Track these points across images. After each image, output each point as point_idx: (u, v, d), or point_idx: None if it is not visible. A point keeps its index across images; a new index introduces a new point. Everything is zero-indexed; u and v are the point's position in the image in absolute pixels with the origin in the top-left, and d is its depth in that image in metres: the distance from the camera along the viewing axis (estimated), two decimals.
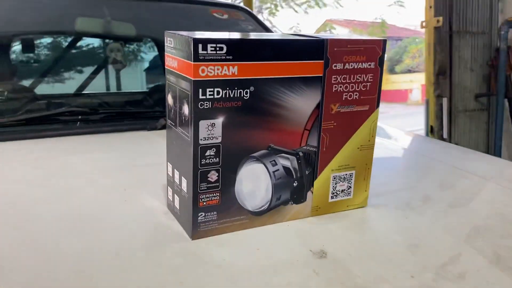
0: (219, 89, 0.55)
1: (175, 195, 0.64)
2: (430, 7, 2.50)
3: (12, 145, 1.05)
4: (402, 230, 0.67)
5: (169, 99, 0.62)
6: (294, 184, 0.64)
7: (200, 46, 0.53)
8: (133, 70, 1.88)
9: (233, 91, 0.56)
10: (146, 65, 1.89)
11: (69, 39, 1.69)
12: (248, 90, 0.57)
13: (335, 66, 0.62)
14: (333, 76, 0.62)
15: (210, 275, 0.52)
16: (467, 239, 0.65)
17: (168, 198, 0.68)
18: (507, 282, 0.55)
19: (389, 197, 0.78)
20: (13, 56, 1.52)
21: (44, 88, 1.50)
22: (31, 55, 1.55)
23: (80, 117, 1.25)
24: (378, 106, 0.67)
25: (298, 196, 0.65)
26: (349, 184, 0.69)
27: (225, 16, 1.93)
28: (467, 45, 2.62)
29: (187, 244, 0.59)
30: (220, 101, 0.56)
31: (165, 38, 0.62)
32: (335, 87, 0.63)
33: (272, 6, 13.04)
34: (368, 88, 0.65)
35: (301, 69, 0.59)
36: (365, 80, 0.65)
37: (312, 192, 0.66)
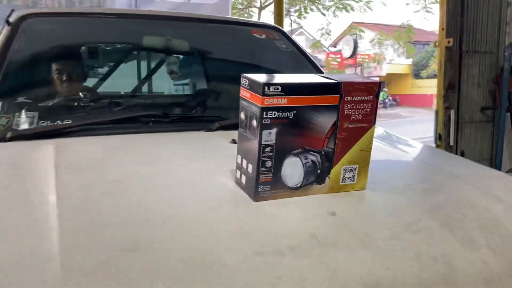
0: (275, 112, 0.93)
1: (242, 174, 1.02)
2: (443, 29, 2.82)
3: (106, 139, 1.45)
4: (387, 204, 1.04)
5: (242, 116, 1.00)
6: (318, 172, 1.01)
7: (266, 87, 0.91)
8: (183, 79, 2.27)
9: (283, 113, 0.94)
10: (195, 75, 2.27)
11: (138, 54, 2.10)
12: (292, 113, 0.94)
13: (347, 98, 0.99)
14: (345, 105, 0.99)
15: (265, 220, 0.90)
16: (429, 210, 1.01)
17: (236, 177, 1.06)
18: (448, 236, 0.90)
19: (381, 184, 1.14)
20: (98, 68, 1.93)
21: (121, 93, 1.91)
22: (111, 67, 1.97)
23: (152, 119, 1.64)
24: (374, 124, 1.04)
25: (320, 179, 1.02)
26: (354, 174, 1.06)
27: (263, 36, 2.31)
28: (475, 63, 2.94)
29: (251, 204, 0.97)
30: (275, 119, 0.93)
31: (242, 78, 1.00)
32: (346, 111, 1.00)
33: (302, 9, 13.35)
34: (367, 112, 1.02)
35: (324, 100, 0.96)
36: (366, 107, 1.01)
37: (329, 177, 1.03)
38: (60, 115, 1.61)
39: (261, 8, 13.69)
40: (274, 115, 0.93)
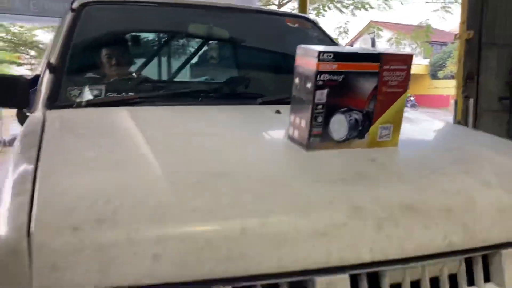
0: (327, 75, 1.13)
1: (295, 130, 1.23)
2: (463, 22, 2.99)
3: (166, 108, 1.66)
4: (416, 156, 1.24)
5: (296, 81, 1.21)
6: (359, 128, 1.22)
7: (321, 54, 1.11)
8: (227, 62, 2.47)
9: (333, 76, 1.14)
10: (237, 58, 2.47)
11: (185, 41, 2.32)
12: (341, 77, 1.15)
13: (385, 67, 1.19)
14: (384, 72, 1.19)
15: (318, 162, 1.11)
16: (453, 162, 1.20)
17: (289, 134, 1.27)
18: (468, 179, 1.09)
19: (412, 144, 1.34)
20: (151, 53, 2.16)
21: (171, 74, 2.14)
22: (163, 50, 2.20)
23: (201, 94, 1.86)
24: (407, 89, 1.24)
25: (361, 135, 1.22)
26: (389, 132, 1.26)
27: (296, 25, 2.51)
28: (493, 55, 3.10)
29: (304, 152, 1.17)
30: (327, 81, 1.14)
31: (297, 49, 1.20)
32: (385, 77, 1.20)
33: (320, 7, 13.48)
34: (402, 79, 1.22)
35: (368, 67, 1.17)
36: (401, 75, 1.21)
37: (368, 134, 1.23)
38: (123, 89, 1.84)
39: (279, 6, 13.87)
40: (326, 78, 1.14)
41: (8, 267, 0.74)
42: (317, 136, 1.18)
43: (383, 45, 21.55)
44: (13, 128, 17.10)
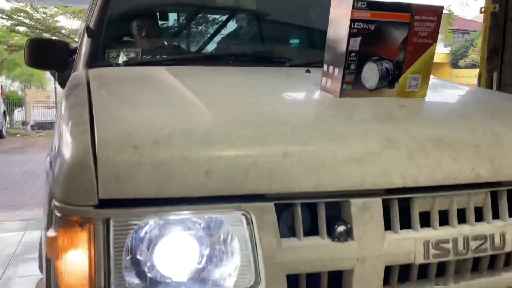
0: (361, 23, 1.19)
1: (328, 79, 1.29)
2: None
3: (198, 68, 1.74)
4: (444, 105, 1.29)
5: (331, 29, 1.27)
6: (390, 78, 1.27)
7: (355, 2, 1.17)
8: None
9: (367, 25, 1.20)
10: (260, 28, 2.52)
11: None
12: (374, 25, 1.20)
13: (416, 17, 1.24)
14: (414, 22, 1.24)
15: (351, 105, 1.17)
16: (478, 109, 1.25)
17: (322, 84, 1.33)
18: (494, 122, 1.15)
19: (439, 95, 1.39)
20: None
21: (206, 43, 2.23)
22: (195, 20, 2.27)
23: (232, 57, 1.92)
24: (436, 41, 1.28)
25: (391, 84, 1.28)
26: (417, 82, 1.31)
27: None
28: None
29: (338, 99, 1.23)
30: (360, 29, 1.19)
31: (332, 1, 1.26)
32: (415, 28, 1.25)
33: None
34: (431, 30, 1.27)
35: (400, 17, 1.22)
36: (430, 26, 1.26)
37: (398, 83, 1.29)
38: (158, 53, 1.93)
39: None
40: (360, 26, 1.19)
41: (78, 179, 0.83)
42: (349, 84, 1.24)
43: None
44: (35, 113, 17.44)
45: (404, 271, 0.98)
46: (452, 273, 1.00)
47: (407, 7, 1.23)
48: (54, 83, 21.47)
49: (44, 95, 21.77)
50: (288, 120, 1.04)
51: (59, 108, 1.38)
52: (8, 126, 13.27)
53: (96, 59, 1.79)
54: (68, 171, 0.84)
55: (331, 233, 0.91)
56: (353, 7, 1.17)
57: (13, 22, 14.86)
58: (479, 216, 1.03)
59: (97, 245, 0.82)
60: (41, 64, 1.95)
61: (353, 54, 1.21)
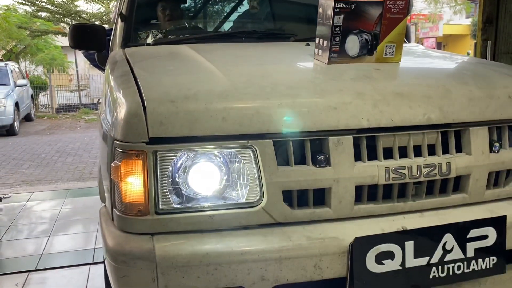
0: (342, 4, 1.50)
1: (319, 50, 1.61)
2: None
3: (215, 45, 2.07)
4: (416, 68, 1.59)
5: (320, 10, 1.58)
6: (369, 47, 1.58)
7: None
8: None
9: (347, 4, 1.50)
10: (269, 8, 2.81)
11: None
12: (353, 5, 1.51)
13: None
14: (387, 1, 1.54)
15: (337, 69, 1.49)
16: (450, 74, 1.55)
17: (315, 54, 1.65)
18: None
19: (410, 60, 1.69)
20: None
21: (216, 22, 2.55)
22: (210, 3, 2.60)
23: (244, 34, 2.24)
24: (406, 15, 1.58)
25: (370, 52, 1.59)
26: (392, 50, 1.62)
27: None
28: None
29: (326, 65, 1.55)
30: (343, 8, 1.50)
31: None
32: (388, 6, 1.55)
33: None
34: (402, 7, 1.56)
35: None
36: (401, 3, 1.56)
37: (376, 51, 1.60)
38: (180, 33, 2.26)
39: None
40: (342, 6, 1.50)
41: (133, 125, 1.18)
42: (335, 53, 1.56)
43: (420, 6, 20.97)
44: (59, 97, 18.02)
45: (372, 193, 1.31)
46: (410, 194, 1.33)
47: None
48: (77, 67, 22.03)
49: (67, 79, 22.44)
50: (284, 81, 1.37)
51: (106, 79, 1.73)
52: (34, 109, 13.87)
53: (129, 40, 2.14)
54: (126, 119, 1.19)
55: (314, 162, 1.24)
56: None
57: (35, 8, 15.33)
58: (433, 152, 1.35)
59: (148, 170, 1.18)
60: (83, 46, 2.31)
61: (337, 29, 1.53)
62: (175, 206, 1.21)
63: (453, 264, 1.28)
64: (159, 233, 1.20)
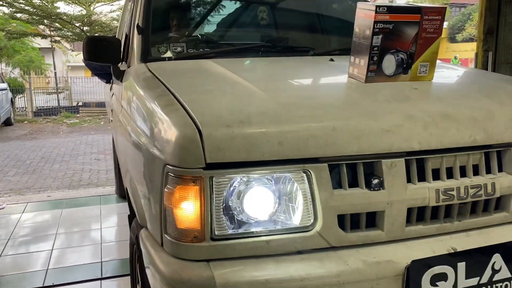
0: (381, 24, 1.51)
1: (355, 68, 1.62)
2: None
3: (239, 60, 2.06)
4: (448, 86, 1.62)
5: (357, 29, 1.59)
6: (404, 66, 1.60)
7: (378, 7, 1.49)
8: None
9: (386, 25, 1.51)
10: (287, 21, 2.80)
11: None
12: (392, 25, 1.52)
13: (425, 17, 1.56)
14: (423, 21, 1.56)
15: (376, 88, 1.50)
16: (478, 90, 1.58)
17: (349, 72, 1.65)
18: (488, 101, 1.48)
19: (441, 78, 1.71)
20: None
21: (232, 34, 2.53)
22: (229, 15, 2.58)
23: (262, 48, 2.24)
24: (440, 35, 1.60)
25: (405, 71, 1.61)
26: (426, 69, 1.64)
27: None
28: None
29: (363, 84, 1.56)
30: (381, 29, 1.51)
31: (358, 5, 1.57)
32: (424, 26, 1.57)
33: None
34: (437, 27, 1.59)
35: (412, 17, 1.54)
36: (436, 23, 1.58)
37: (411, 70, 1.61)
38: (200, 47, 2.24)
39: None
40: (381, 26, 1.51)
41: (190, 150, 1.16)
42: (373, 72, 1.57)
43: None
44: (36, 100, 17.61)
45: (420, 214, 1.32)
46: (455, 214, 1.35)
47: (418, 9, 1.55)
48: (55, 69, 21.60)
49: (45, 81, 21.98)
50: (331, 102, 1.37)
51: (135, 96, 1.70)
52: (13, 114, 13.52)
53: (148, 53, 2.10)
54: (181, 144, 1.17)
55: (368, 185, 1.25)
56: (375, 11, 1.49)
57: (13, 9, 14.95)
58: (476, 171, 1.37)
59: (205, 196, 1.16)
60: (98, 59, 2.26)
61: (375, 49, 1.54)
62: (230, 231, 1.20)
63: (501, 283, 1.30)
64: (215, 259, 1.19)
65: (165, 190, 1.21)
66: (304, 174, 1.21)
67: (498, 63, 3.44)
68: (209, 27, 2.48)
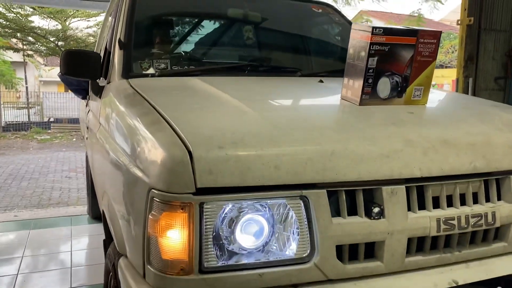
0: (377, 46, 1.46)
1: (349, 90, 1.56)
2: (465, 9, 3.34)
3: (225, 78, 1.98)
4: (442, 110, 1.58)
5: (351, 51, 1.54)
6: (398, 89, 1.55)
7: (374, 29, 1.44)
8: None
9: (382, 47, 1.47)
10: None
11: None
12: (387, 47, 1.48)
13: (421, 40, 1.52)
14: (419, 44, 1.53)
15: (372, 111, 1.44)
16: (470, 115, 1.55)
17: (343, 94, 1.60)
18: (485, 127, 1.44)
19: (434, 103, 1.68)
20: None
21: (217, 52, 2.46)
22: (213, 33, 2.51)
23: (248, 67, 2.17)
24: (435, 59, 1.57)
25: (399, 94, 1.56)
26: (420, 93, 1.60)
27: (320, 10, 2.83)
28: (491, 39, 3.46)
29: (357, 107, 1.50)
30: (377, 50, 1.47)
31: (352, 26, 1.53)
32: (419, 49, 1.53)
33: None
34: (432, 50, 1.55)
35: (407, 40, 1.50)
36: (431, 47, 1.55)
37: (405, 94, 1.57)
38: (184, 64, 2.16)
39: None
40: (376, 48, 1.47)
41: (179, 173, 1.06)
42: (367, 94, 1.51)
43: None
44: (6, 114, 17.06)
45: (419, 244, 1.25)
46: (455, 244, 1.29)
47: (414, 32, 1.51)
48: (26, 83, 21.06)
49: (15, 96, 21.37)
50: (327, 124, 1.31)
51: (116, 113, 1.59)
52: None
53: (130, 70, 2.01)
54: (170, 167, 1.07)
55: (367, 213, 1.17)
56: (372, 33, 1.45)
57: None
58: (475, 200, 1.32)
59: (194, 224, 1.06)
60: (75, 73, 2.14)
61: (371, 71, 1.49)
62: (220, 263, 1.10)
63: None
64: None
65: (150, 216, 1.10)
66: (301, 201, 1.13)
67: (477, 89, 3.49)
68: (193, 45, 2.41)
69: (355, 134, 1.25)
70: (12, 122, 16.80)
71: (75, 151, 10.38)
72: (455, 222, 1.24)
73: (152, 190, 1.11)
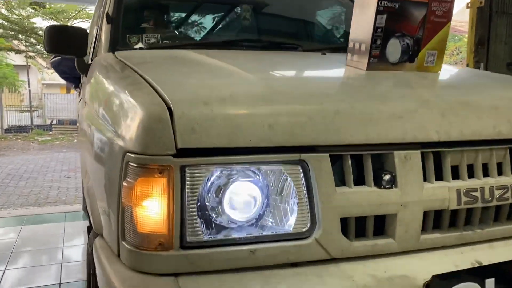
0: (386, 1, 1.31)
1: (354, 54, 1.40)
2: None
3: (222, 51, 1.83)
4: (458, 77, 1.42)
5: (357, 11, 1.38)
6: (410, 53, 1.39)
7: None
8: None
9: (391, 3, 1.31)
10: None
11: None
12: (397, 4, 1.32)
13: None
14: (432, 2, 1.37)
15: (378, 76, 1.28)
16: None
17: (348, 59, 1.44)
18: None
19: (449, 71, 1.52)
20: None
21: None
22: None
23: (246, 43, 2.01)
24: (450, 20, 1.41)
25: (411, 59, 1.40)
26: (434, 58, 1.44)
27: None
28: (503, 23, 3.29)
29: (364, 72, 1.35)
30: (386, 7, 1.31)
31: None
32: (432, 8, 1.37)
33: None
34: (447, 10, 1.39)
35: None
36: (445, 6, 1.39)
37: (417, 59, 1.41)
38: (176, 38, 2.01)
39: None
40: (386, 4, 1.31)
41: (156, 132, 0.91)
42: (375, 58, 1.36)
43: None
44: (9, 117, 17.01)
45: (436, 220, 1.09)
46: (477, 221, 1.12)
47: None
48: (29, 86, 21.03)
49: (18, 99, 21.31)
50: (331, 87, 1.15)
51: (100, 85, 1.44)
52: None
53: (118, 44, 1.85)
54: (146, 125, 0.92)
55: (377, 182, 1.01)
56: None
57: None
58: (500, 171, 1.15)
59: (175, 191, 0.90)
60: (60, 50, 1.99)
61: (379, 30, 1.33)
62: (206, 238, 0.94)
63: None
64: (186, 273, 0.92)
65: (124, 183, 0.95)
66: (300, 167, 0.97)
67: None
68: (187, 21, 2.26)
69: (363, 94, 1.10)
70: (14, 125, 16.72)
71: (76, 151, 10.25)
72: (477, 194, 1.08)
73: (127, 154, 0.95)
